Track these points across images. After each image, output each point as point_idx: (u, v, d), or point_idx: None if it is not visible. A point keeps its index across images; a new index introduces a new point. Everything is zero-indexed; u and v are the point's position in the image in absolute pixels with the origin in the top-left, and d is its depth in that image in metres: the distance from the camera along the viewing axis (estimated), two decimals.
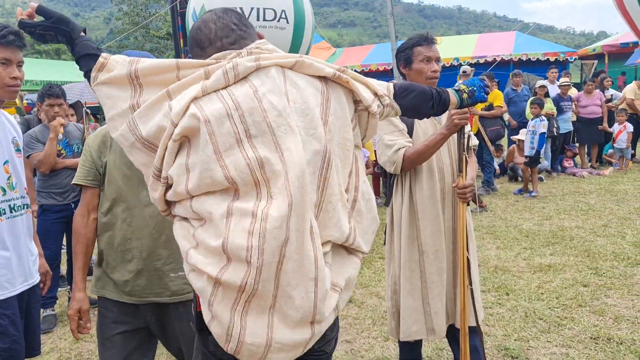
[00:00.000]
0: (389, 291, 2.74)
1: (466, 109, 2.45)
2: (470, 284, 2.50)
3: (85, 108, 5.18)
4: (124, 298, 2.10)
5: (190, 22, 10.37)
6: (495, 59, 16.34)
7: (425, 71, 2.57)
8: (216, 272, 1.34)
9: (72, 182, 2.15)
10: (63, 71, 17.23)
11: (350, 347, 3.42)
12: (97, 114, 11.87)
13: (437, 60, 2.62)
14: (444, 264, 2.61)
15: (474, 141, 2.78)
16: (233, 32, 1.56)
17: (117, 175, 2.04)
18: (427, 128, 2.63)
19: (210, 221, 1.37)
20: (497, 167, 9.51)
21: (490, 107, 8.28)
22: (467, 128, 2.54)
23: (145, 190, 1.84)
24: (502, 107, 8.56)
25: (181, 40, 16.11)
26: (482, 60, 17.22)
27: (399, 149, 2.54)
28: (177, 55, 15.96)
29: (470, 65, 14.26)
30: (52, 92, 4.04)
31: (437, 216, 2.60)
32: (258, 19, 9.63)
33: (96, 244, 2.14)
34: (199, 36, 1.58)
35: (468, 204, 2.62)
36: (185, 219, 1.48)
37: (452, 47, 17.84)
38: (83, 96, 11.19)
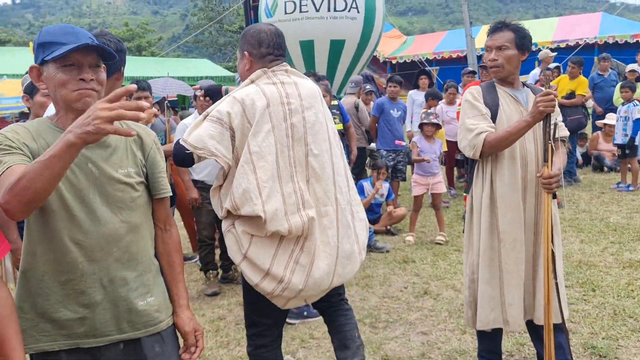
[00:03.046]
0: (467, 280, 2.69)
1: (552, 96, 2.33)
2: (555, 278, 2.39)
3: (166, 102, 5.44)
4: (78, 343, 1.59)
5: (262, 15, 10.58)
6: (578, 42, 15.47)
7: (486, 61, 2.58)
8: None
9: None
10: (145, 67, 18.09)
11: (426, 338, 3.38)
12: (175, 107, 12.39)
13: (498, 48, 2.53)
14: (523, 255, 2.52)
15: (564, 132, 2.62)
16: (282, 49, 2.34)
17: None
18: (512, 114, 2.54)
19: None
20: (579, 157, 8.98)
21: (571, 95, 7.79)
22: (555, 116, 2.43)
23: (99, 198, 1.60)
24: (585, 95, 8.03)
25: None
26: (563, 45, 16.34)
27: (480, 133, 2.48)
28: None
29: (551, 50, 13.55)
30: (139, 85, 4.27)
31: (517, 205, 2.51)
32: (329, 10, 9.71)
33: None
34: (265, 37, 2.28)
35: (555, 196, 2.51)
36: None
37: (530, 32, 16.99)
38: (165, 90, 11.73)
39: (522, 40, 2.53)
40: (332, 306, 2.49)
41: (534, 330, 2.66)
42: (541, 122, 2.42)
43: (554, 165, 2.43)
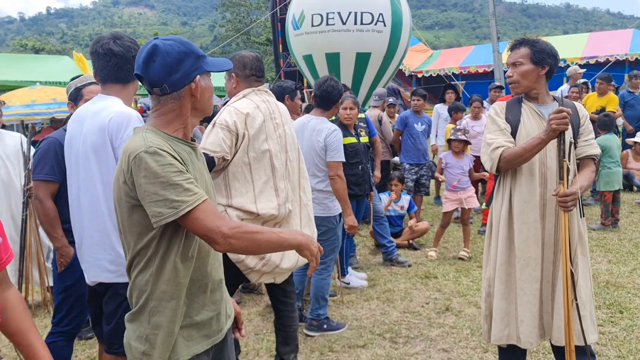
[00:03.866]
0: (484, 294, 2.68)
1: (565, 113, 2.30)
2: (576, 299, 2.34)
3: None
4: (213, 340, 1.70)
5: (289, 28, 10.70)
6: (608, 59, 15.20)
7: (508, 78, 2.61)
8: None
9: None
10: None
11: (447, 356, 3.33)
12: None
13: (513, 64, 2.55)
14: (538, 273, 2.49)
15: (595, 150, 2.57)
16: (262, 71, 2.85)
17: None
18: (533, 129, 2.52)
19: None
20: None
21: (602, 112, 7.65)
22: (568, 134, 2.39)
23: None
24: (615, 112, 7.88)
25: (280, 45, 16.67)
26: (592, 61, 16.07)
27: (497, 147, 2.51)
28: (277, 60, 16.56)
29: (580, 66, 13.35)
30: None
31: (535, 222, 2.48)
32: (355, 23, 9.76)
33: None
34: (248, 61, 2.80)
35: (582, 215, 2.46)
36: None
37: (559, 48, 16.64)
38: None
39: (539, 54, 2.50)
40: (286, 304, 2.99)
41: (557, 352, 2.61)
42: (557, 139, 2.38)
43: (575, 183, 2.39)
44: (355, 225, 3.90)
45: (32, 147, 4.19)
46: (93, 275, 2.32)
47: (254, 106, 2.68)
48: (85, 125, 2.28)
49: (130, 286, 1.62)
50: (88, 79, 2.93)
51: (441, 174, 5.63)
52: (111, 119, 2.20)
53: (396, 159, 6.98)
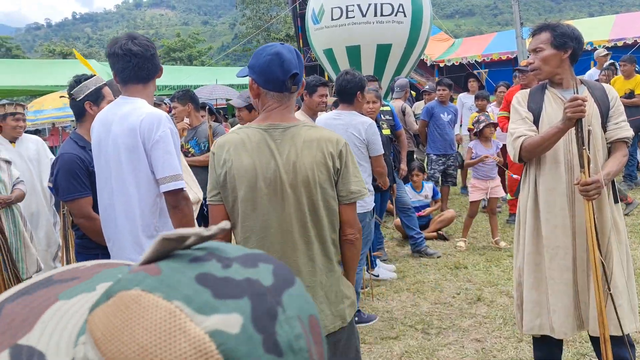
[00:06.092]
0: (515, 283, 2.67)
1: (580, 100, 2.25)
2: (609, 289, 2.31)
3: (207, 107, 5.38)
4: None
5: (309, 22, 10.70)
6: (636, 40, 14.78)
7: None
8: None
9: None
10: (196, 75, 18.59)
11: (481, 346, 3.32)
12: (225, 114, 12.67)
13: (534, 50, 2.51)
14: (569, 262, 2.45)
15: (626, 132, 2.47)
16: None
17: None
18: (556, 115, 2.46)
19: None
20: None
21: (631, 95, 7.47)
22: (587, 120, 2.35)
23: None
24: None
25: (300, 41, 16.67)
26: (620, 43, 15.67)
27: (518, 137, 2.49)
28: None
29: (607, 48, 13.02)
30: (172, 95, 4.37)
31: (562, 210, 2.44)
32: (375, 15, 9.71)
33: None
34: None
35: (617, 200, 2.42)
36: None
37: (584, 31, 16.29)
38: (212, 95, 11.99)
39: (561, 38, 2.44)
40: None
41: (595, 342, 2.57)
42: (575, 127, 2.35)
43: (604, 169, 2.35)
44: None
45: (49, 152, 4.33)
46: None
47: None
48: (114, 128, 2.30)
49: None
50: (99, 79, 2.88)
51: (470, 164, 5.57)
52: (142, 121, 2.23)
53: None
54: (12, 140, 3.97)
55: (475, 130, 5.64)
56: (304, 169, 1.77)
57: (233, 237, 1.90)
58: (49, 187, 2.90)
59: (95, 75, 2.96)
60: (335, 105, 4.75)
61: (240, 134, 1.85)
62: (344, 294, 1.92)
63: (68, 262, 3.95)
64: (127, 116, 2.27)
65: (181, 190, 2.26)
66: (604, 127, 2.48)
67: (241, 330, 0.42)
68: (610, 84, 7.55)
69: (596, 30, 16.70)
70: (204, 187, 4.36)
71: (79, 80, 2.80)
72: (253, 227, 1.80)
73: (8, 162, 3.60)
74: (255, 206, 1.79)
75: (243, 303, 0.44)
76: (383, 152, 3.85)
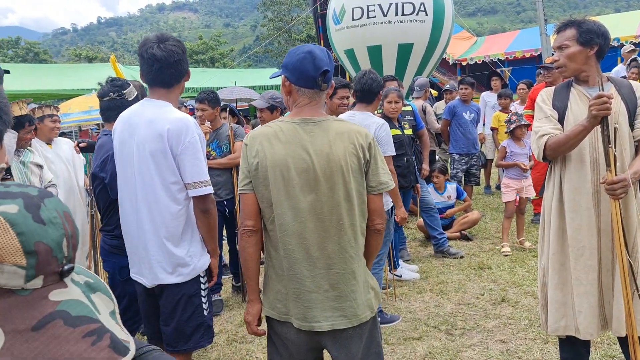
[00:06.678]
0: (539, 283, 2.64)
1: (605, 98, 2.21)
2: (637, 289, 2.26)
3: (229, 108, 5.39)
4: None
5: (330, 23, 10.70)
6: None
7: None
8: None
9: None
10: (218, 77, 18.74)
11: (505, 347, 3.28)
12: (247, 115, 12.76)
13: (559, 48, 2.47)
14: (594, 262, 2.40)
15: None
16: None
17: None
18: (582, 113, 2.42)
19: None
20: None
21: None
22: (613, 118, 2.31)
23: None
24: None
25: (321, 42, 16.67)
26: None
27: (542, 135, 2.46)
28: None
29: (635, 45, 12.72)
30: (196, 97, 4.40)
31: (587, 210, 2.40)
32: (397, 14, 9.66)
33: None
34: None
35: None
36: None
37: (611, 27, 15.93)
38: (232, 95, 12.07)
39: (586, 34, 2.40)
40: None
41: (623, 343, 2.52)
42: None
43: (631, 167, 2.30)
44: (406, 217, 4.03)
45: (82, 155, 4.42)
46: (153, 278, 2.39)
47: None
48: (140, 132, 2.32)
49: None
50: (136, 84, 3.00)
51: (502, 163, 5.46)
52: (170, 126, 2.26)
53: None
54: (48, 142, 4.08)
55: (506, 129, 5.54)
56: (338, 159, 1.81)
57: (263, 224, 1.92)
58: (94, 175, 2.90)
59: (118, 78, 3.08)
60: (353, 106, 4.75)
61: (273, 127, 1.89)
62: (369, 284, 1.95)
63: (95, 261, 4.05)
64: (154, 121, 2.30)
65: (210, 194, 2.36)
66: (632, 125, 2.43)
67: (18, 211, 0.81)
68: (638, 81, 7.38)
69: (623, 26, 16.34)
70: (225, 188, 4.46)
71: (115, 82, 2.95)
72: (284, 216, 1.82)
73: (40, 166, 3.70)
74: (287, 195, 1.82)
75: (18, 200, 0.83)
76: (392, 154, 3.73)
